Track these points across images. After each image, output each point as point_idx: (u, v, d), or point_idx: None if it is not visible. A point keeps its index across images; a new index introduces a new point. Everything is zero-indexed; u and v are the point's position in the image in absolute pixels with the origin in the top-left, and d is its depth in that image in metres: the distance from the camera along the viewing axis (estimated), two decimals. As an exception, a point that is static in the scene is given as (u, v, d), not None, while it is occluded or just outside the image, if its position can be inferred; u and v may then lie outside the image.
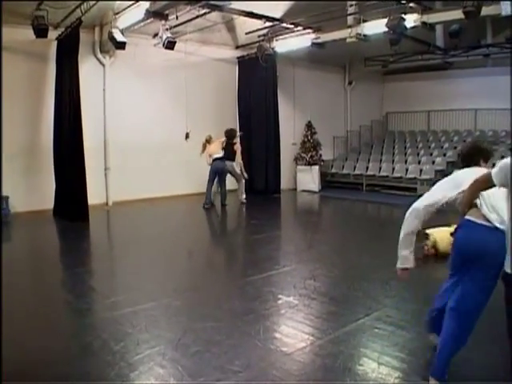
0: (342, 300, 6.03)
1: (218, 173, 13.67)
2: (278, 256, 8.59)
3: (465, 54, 17.01)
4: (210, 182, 13.75)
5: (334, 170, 19.56)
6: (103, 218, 12.79)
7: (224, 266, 8.21)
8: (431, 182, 16.56)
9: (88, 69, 12.99)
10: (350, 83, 21.16)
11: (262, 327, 5.09)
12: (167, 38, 12.61)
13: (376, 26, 12.42)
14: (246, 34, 15.46)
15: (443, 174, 16.71)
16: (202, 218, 12.83)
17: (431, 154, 18.56)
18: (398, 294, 6.24)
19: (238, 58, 17.04)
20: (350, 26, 13.05)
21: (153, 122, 14.63)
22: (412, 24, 11.61)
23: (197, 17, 12.87)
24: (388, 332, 5.02)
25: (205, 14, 12.74)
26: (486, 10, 10.11)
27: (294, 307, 5.73)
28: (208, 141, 13.73)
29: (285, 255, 8.67)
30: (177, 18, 12.23)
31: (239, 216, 13.69)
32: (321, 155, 18.46)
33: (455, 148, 18.38)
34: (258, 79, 16.42)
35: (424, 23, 11.55)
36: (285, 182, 17.47)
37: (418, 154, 18.92)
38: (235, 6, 12.42)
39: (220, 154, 13.58)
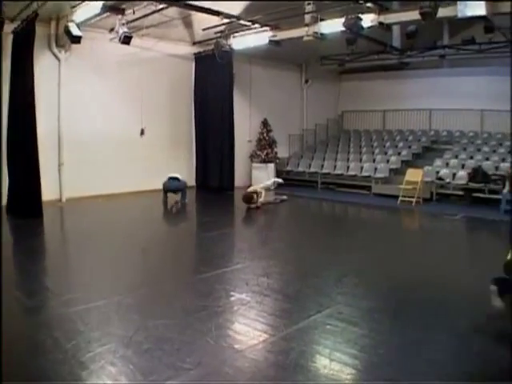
0: (295, 297, 6.04)
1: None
2: (231, 253, 8.59)
3: (421, 55, 17.25)
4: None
5: (289, 168, 19.65)
6: (57, 215, 12.53)
7: (176, 264, 8.08)
8: (385, 181, 16.86)
9: (43, 63, 12.72)
10: (306, 82, 21.30)
11: (214, 324, 5.06)
12: (124, 32, 12.43)
13: (333, 25, 12.44)
14: (203, 30, 15.38)
15: (397, 172, 17.01)
16: (156, 215, 12.73)
17: (386, 153, 18.78)
18: (350, 291, 6.31)
19: (194, 54, 16.97)
20: (307, 25, 13.07)
21: (108, 118, 14.43)
22: (369, 24, 11.68)
23: (154, 12, 12.73)
24: (340, 328, 5.06)
25: (162, 9, 12.63)
26: (442, 12, 10.20)
27: (247, 304, 5.72)
28: None
29: (238, 252, 8.67)
30: (134, 12, 12.10)
31: (193, 213, 13.67)
32: (276, 153, 18.58)
33: (410, 147, 18.67)
34: (214, 76, 16.34)
35: (381, 23, 11.62)
36: (240, 180, 17.44)
37: (373, 153, 19.12)
38: (193, 1, 12.36)
39: None
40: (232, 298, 5.92)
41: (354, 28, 11.47)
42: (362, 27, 11.49)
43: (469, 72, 18.89)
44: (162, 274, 7.20)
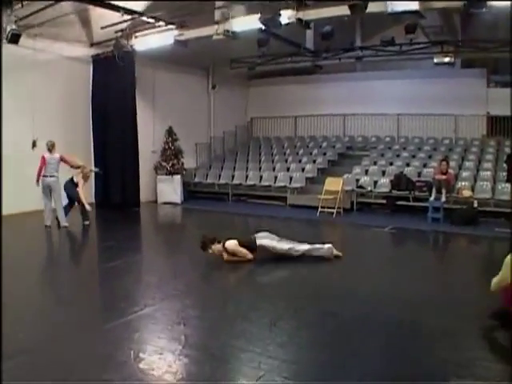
0: (223, 356, 4.69)
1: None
2: (138, 291, 6.95)
3: (337, 57, 16.45)
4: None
5: (197, 180, 18.45)
6: None
7: (66, 312, 6.06)
8: (302, 191, 15.91)
9: None
10: (213, 87, 20.16)
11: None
12: (11, 30, 11.05)
13: (246, 23, 11.41)
14: (102, 28, 13.86)
15: (314, 181, 16.14)
16: (48, 241, 10.97)
17: (300, 161, 17.91)
18: (291, 340, 5.05)
19: (92, 56, 15.36)
20: (217, 22, 11.86)
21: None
22: (287, 20, 10.62)
23: (46, 7, 11.25)
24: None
25: (55, 1, 11.06)
26: (371, 6, 9.31)
27: (160, 370, 4.30)
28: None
29: (146, 289, 7.08)
30: (22, 5, 10.63)
31: (92, 236, 11.82)
32: (183, 163, 17.37)
33: (325, 154, 17.90)
34: (114, 80, 14.94)
35: (299, 20, 10.56)
36: (144, 194, 16.08)
37: (287, 161, 18.27)
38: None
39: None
40: (140, 365, 4.45)
41: (271, 24, 10.35)
42: (281, 24, 10.39)
43: (384, 76, 18.55)
44: (44, 331, 5.36)
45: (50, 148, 11.68)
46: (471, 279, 7.98)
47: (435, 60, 15.03)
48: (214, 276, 7.85)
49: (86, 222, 12.04)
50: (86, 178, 12.19)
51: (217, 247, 8.01)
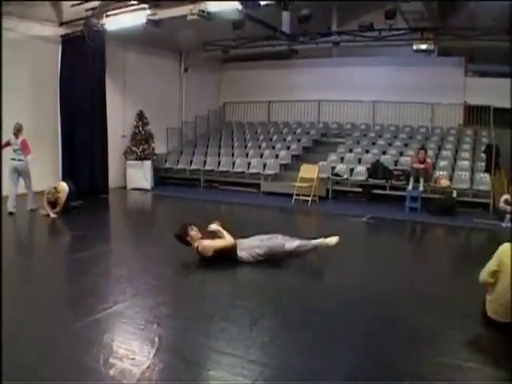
0: (201, 361, 4.32)
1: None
2: (107, 285, 6.46)
3: (313, 42, 16.02)
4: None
5: (168, 165, 17.98)
6: None
7: (27, 309, 5.48)
8: (275, 178, 15.57)
9: None
10: (186, 70, 19.64)
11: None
12: None
13: (222, 3, 10.88)
14: (72, 6, 13.30)
15: (288, 168, 15.83)
16: (10, 229, 10.18)
17: (274, 147, 17.56)
18: (272, 341, 4.68)
19: (61, 36, 14.60)
20: (192, 1, 11.34)
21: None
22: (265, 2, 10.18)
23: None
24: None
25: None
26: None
27: (131, 380, 3.90)
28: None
29: (116, 283, 6.58)
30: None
31: (58, 225, 11.05)
32: (153, 148, 16.87)
33: (299, 141, 17.57)
34: (83, 62, 14.28)
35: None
36: (113, 180, 15.60)
37: (260, 147, 17.89)
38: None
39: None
40: (111, 372, 4.03)
41: (250, 4, 9.88)
42: (259, 4, 9.95)
43: (360, 62, 18.31)
44: None
45: (16, 132, 11.12)
46: (456, 272, 7.79)
47: (414, 47, 14.69)
48: (189, 269, 7.35)
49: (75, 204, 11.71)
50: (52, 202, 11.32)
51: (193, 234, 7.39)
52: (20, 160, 11.08)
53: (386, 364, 4.29)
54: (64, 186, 11.34)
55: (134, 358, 4.24)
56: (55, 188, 11.21)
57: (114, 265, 7.75)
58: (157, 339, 4.63)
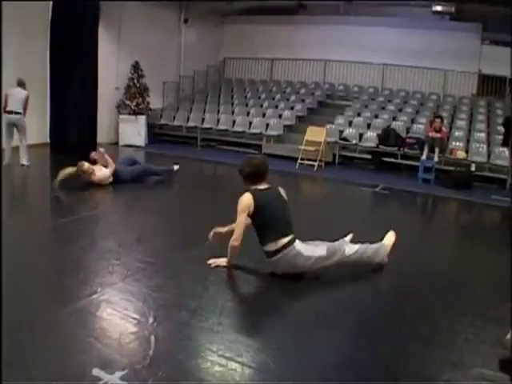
0: (205, 370, 3.41)
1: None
2: (91, 263, 5.44)
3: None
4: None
5: (163, 121, 16.95)
6: None
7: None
8: (278, 139, 14.72)
9: None
10: (185, 21, 18.45)
11: None
12: None
13: None
14: None
15: (292, 130, 15.00)
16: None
17: (277, 107, 16.58)
18: (282, 345, 3.77)
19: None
20: None
21: None
22: None
23: None
24: None
25: None
26: None
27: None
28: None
29: (103, 258, 5.50)
30: None
31: (37, 184, 10.07)
32: (148, 103, 15.89)
33: (303, 101, 16.59)
34: (75, 9, 13.19)
35: None
36: (104, 135, 14.70)
37: (262, 106, 16.87)
38: None
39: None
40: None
41: None
42: None
43: (371, 22, 17.19)
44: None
45: (19, 83, 10.60)
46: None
47: (433, 8, 13.58)
48: (188, 237, 6.39)
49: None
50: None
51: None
52: (17, 113, 10.41)
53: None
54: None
55: (124, 369, 3.30)
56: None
57: (101, 235, 6.73)
58: (153, 340, 3.73)
